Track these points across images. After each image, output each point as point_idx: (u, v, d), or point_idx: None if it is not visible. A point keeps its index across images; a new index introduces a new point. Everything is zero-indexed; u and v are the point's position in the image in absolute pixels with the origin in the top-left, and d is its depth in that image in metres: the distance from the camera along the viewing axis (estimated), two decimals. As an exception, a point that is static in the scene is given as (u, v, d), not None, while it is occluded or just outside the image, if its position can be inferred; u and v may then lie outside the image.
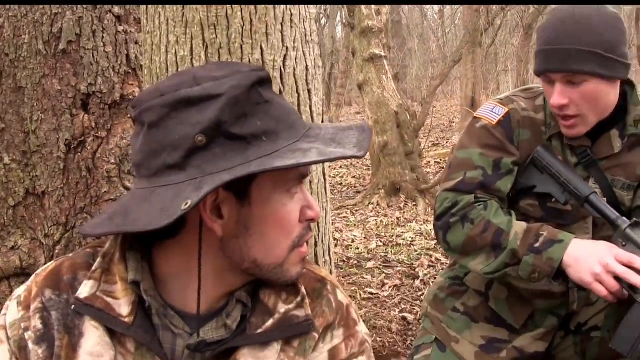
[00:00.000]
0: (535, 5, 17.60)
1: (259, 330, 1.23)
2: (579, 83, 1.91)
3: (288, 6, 1.58)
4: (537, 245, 1.91)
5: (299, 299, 1.27)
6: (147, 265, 1.22)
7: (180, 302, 1.22)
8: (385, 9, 7.58)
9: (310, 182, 1.70)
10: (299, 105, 1.62)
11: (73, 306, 1.18)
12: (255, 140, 1.11)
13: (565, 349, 2.21)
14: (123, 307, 1.18)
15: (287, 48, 1.60)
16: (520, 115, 2.10)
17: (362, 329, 1.38)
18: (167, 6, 1.56)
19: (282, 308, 1.25)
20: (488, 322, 2.20)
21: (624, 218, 1.93)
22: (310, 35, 1.67)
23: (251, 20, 1.54)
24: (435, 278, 4.02)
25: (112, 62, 2.24)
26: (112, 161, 2.22)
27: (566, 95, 1.92)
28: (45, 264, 2.18)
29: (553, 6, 2.09)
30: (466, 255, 2.00)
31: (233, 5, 1.52)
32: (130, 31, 2.30)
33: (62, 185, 2.19)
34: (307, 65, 1.65)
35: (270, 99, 1.16)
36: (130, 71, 2.29)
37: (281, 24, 1.58)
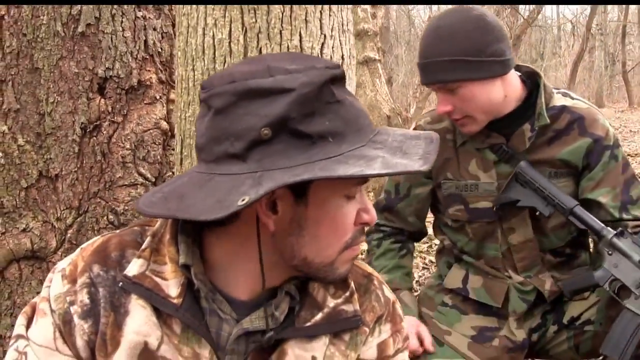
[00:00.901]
0: (525, 16, 17.78)
1: (308, 324, 1.25)
2: (455, 89, 2.03)
3: (327, -7, 1.60)
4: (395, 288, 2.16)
5: (347, 293, 1.29)
6: (197, 249, 1.22)
7: (229, 288, 1.23)
8: (381, 12, 7.64)
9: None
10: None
11: (120, 283, 1.19)
12: (321, 141, 1.11)
13: (559, 343, 2.28)
14: (172, 288, 1.18)
15: (324, 36, 1.62)
16: (425, 129, 2.25)
17: (405, 324, 1.41)
18: (206, -13, 1.57)
19: (331, 302, 1.27)
20: (476, 312, 2.29)
21: (609, 228, 2.03)
22: (347, 25, 1.69)
23: (291, 6, 1.56)
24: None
25: (130, 47, 2.25)
26: (127, 147, 2.22)
27: (448, 102, 2.06)
28: (57, 247, 2.20)
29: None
30: None
31: (274, -10, 1.54)
32: (149, 17, 2.30)
33: (76, 169, 2.19)
34: (342, 54, 1.67)
35: (342, 98, 1.15)
36: (147, 57, 2.29)
37: (320, 11, 1.60)
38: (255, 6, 1.54)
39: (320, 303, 1.27)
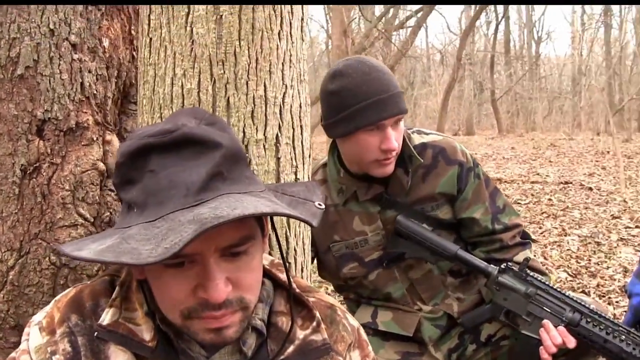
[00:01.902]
0: (399, 46, 18.46)
1: (282, 357, 1.35)
2: (398, 123, 2.26)
3: (288, 47, 1.76)
4: None
5: (314, 324, 1.41)
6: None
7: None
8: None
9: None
10: (293, 139, 1.79)
11: (96, 333, 1.27)
12: (130, 209, 1.23)
13: (478, 359, 2.49)
14: (145, 332, 1.29)
15: (286, 86, 1.77)
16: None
17: (371, 349, 1.56)
18: (175, 40, 1.69)
19: (300, 334, 1.39)
20: (395, 339, 2.46)
21: (493, 266, 2.29)
22: (303, 75, 1.85)
23: (257, 58, 1.70)
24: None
25: (68, 90, 2.31)
26: (67, 188, 2.27)
27: (394, 137, 2.24)
28: (-1, 290, 2.22)
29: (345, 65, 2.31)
30: None
31: (241, 43, 1.68)
32: (85, 59, 2.37)
33: (16, 211, 2.22)
34: (300, 103, 1.83)
35: (158, 169, 1.20)
36: (84, 99, 2.36)
37: (282, 63, 1.75)
38: (224, 58, 1.68)
39: (290, 336, 1.37)
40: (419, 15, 20.23)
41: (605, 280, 5.54)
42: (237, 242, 1.22)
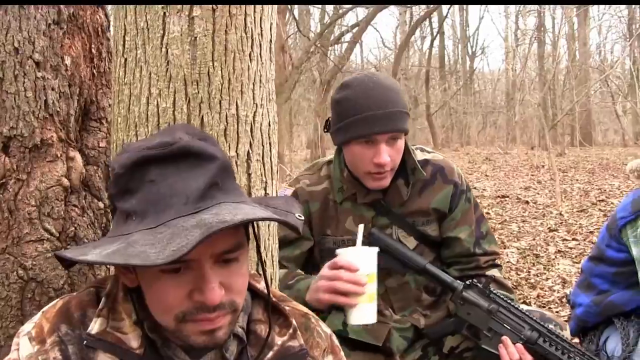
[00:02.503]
0: (335, 61, 18.69)
1: None
2: (395, 140, 2.37)
3: (259, 67, 1.88)
4: (291, 282, 2.38)
5: (291, 330, 1.52)
6: (146, 304, 1.41)
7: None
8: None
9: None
10: (263, 155, 1.91)
11: (85, 342, 1.36)
12: (129, 218, 1.31)
13: None
14: (132, 341, 1.38)
15: (256, 105, 1.89)
16: (306, 191, 2.57)
17: (343, 354, 1.68)
18: (151, 61, 1.79)
19: (278, 340, 1.50)
20: (363, 349, 2.54)
21: (458, 281, 2.44)
22: (272, 94, 1.97)
23: (229, 79, 1.82)
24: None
25: (32, 107, 2.38)
26: (33, 203, 2.34)
27: (388, 153, 2.36)
28: (-33, 305, 2.27)
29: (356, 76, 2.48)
30: None
31: (215, 64, 1.79)
32: (48, 77, 2.45)
33: (-17, 226, 2.29)
34: (269, 121, 1.95)
35: (158, 179, 1.29)
36: (48, 116, 2.43)
37: (253, 83, 1.87)
38: (198, 78, 1.79)
39: (268, 342, 1.48)
40: (355, 30, 20.53)
41: (545, 291, 5.76)
42: (230, 249, 1.32)
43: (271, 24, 1.95)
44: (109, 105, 2.71)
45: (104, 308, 1.40)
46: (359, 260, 2.17)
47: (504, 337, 2.30)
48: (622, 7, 26.87)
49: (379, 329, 2.52)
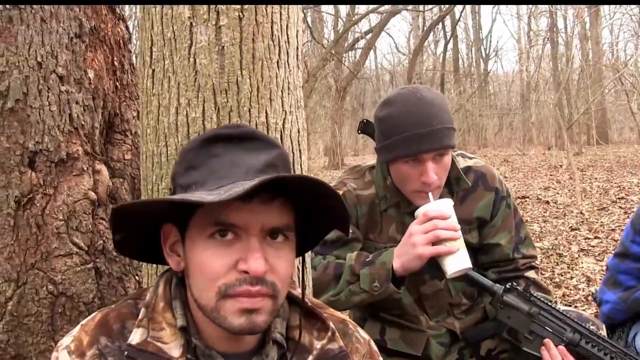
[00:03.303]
0: (350, 68, 18.69)
1: None
2: (442, 157, 2.31)
3: (286, 75, 1.85)
4: (368, 259, 2.33)
5: (329, 333, 1.49)
6: (189, 312, 1.41)
7: (214, 342, 1.40)
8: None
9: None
10: (293, 162, 1.87)
11: (126, 352, 1.34)
12: (189, 189, 1.34)
13: None
14: (173, 350, 1.36)
15: (285, 112, 1.86)
16: (353, 194, 2.52)
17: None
18: (179, 71, 1.76)
19: (317, 344, 1.47)
20: (399, 356, 2.53)
21: (498, 285, 2.39)
22: (300, 101, 1.94)
23: (258, 86, 1.79)
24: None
25: (57, 121, 2.37)
26: (60, 217, 2.33)
27: (435, 171, 2.30)
28: (-3, 321, 2.25)
29: (398, 92, 2.40)
30: (320, 294, 2.35)
31: (243, 73, 1.76)
32: (72, 91, 2.44)
33: (12, 242, 2.27)
34: (299, 128, 1.92)
35: (221, 153, 1.35)
36: (73, 130, 2.42)
37: (281, 90, 1.84)
38: (227, 87, 1.76)
39: (308, 347, 1.46)
40: (368, 36, 20.54)
41: (570, 290, 5.70)
42: (280, 227, 1.34)
43: (297, 31, 1.92)
44: (133, 117, 2.69)
45: (143, 318, 1.39)
46: (446, 209, 2.25)
47: (547, 340, 2.26)
48: (633, 5, 26.74)
49: (416, 338, 2.50)
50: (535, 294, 2.34)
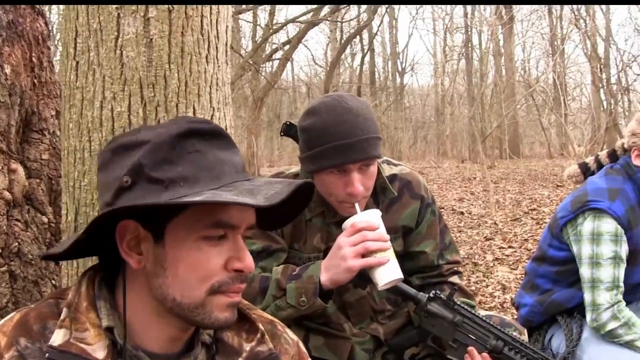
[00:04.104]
0: (268, 78, 18.68)
1: None
2: (368, 167, 2.28)
3: (215, 70, 1.83)
4: (294, 273, 2.27)
5: (259, 335, 1.48)
6: (116, 312, 1.36)
7: (144, 343, 1.37)
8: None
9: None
10: (221, 160, 1.85)
11: (47, 354, 1.28)
12: (172, 185, 1.28)
13: None
14: (98, 351, 1.30)
15: (213, 109, 1.83)
16: None
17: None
18: (104, 64, 1.72)
19: (247, 347, 1.45)
20: None
21: (422, 293, 2.41)
22: (228, 98, 1.92)
23: (186, 81, 1.76)
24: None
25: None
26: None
27: (361, 182, 2.26)
28: None
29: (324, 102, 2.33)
30: None
31: (171, 67, 1.73)
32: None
33: None
34: (226, 125, 1.90)
35: (203, 149, 1.32)
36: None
37: (210, 86, 1.81)
38: (154, 81, 1.73)
39: (237, 349, 1.44)
40: (286, 47, 20.59)
41: (486, 297, 5.82)
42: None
43: (227, 26, 1.90)
44: (52, 116, 2.62)
45: (66, 318, 1.33)
46: (374, 219, 2.19)
47: (470, 348, 2.28)
48: (545, 24, 27.65)
49: (341, 346, 2.48)
50: (458, 303, 2.36)
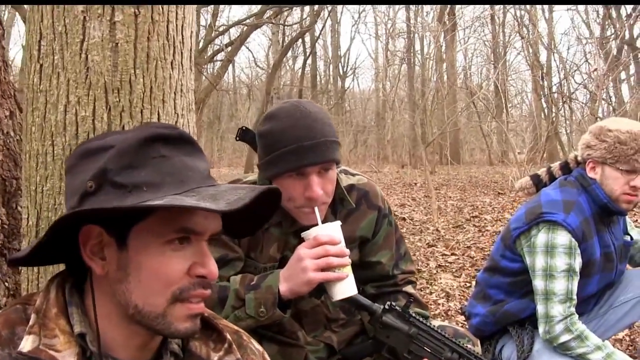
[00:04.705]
0: (210, 79, 18.58)
1: None
2: (327, 171, 2.29)
3: (180, 76, 1.84)
4: (253, 283, 2.26)
5: (226, 345, 1.49)
6: (87, 318, 1.36)
7: (113, 350, 1.37)
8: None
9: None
10: (184, 166, 1.87)
11: None
12: (136, 190, 1.29)
13: None
14: (67, 358, 1.30)
15: (177, 115, 1.85)
16: None
17: None
18: (69, 67, 1.73)
19: (214, 357, 1.46)
20: None
21: (377, 304, 2.43)
22: (191, 104, 1.94)
23: (151, 87, 1.78)
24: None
25: None
26: None
27: (320, 186, 2.27)
28: None
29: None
30: None
31: (136, 72, 1.75)
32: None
33: None
34: (189, 131, 1.91)
35: (169, 155, 1.33)
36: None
37: (174, 92, 1.83)
38: (119, 86, 1.73)
39: (205, 359, 1.45)
40: (229, 49, 20.53)
41: (430, 305, 5.89)
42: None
43: (192, 32, 1.92)
44: (6, 116, 2.59)
45: (34, 325, 1.32)
46: (337, 233, 2.19)
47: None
48: (487, 31, 28.12)
49: (295, 354, 2.49)
50: (413, 315, 2.39)
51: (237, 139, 2.57)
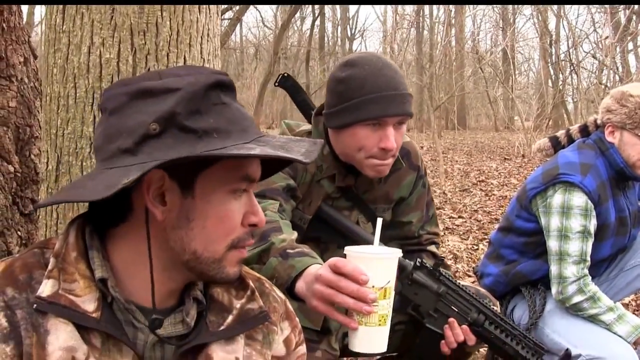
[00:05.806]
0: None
1: (222, 327, 1.38)
2: (401, 125, 2.23)
3: (207, 21, 1.79)
4: (290, 251, 1.94)
5: (249, 292, 1.44)
6: (107, 262, 1.31)
7: (136, 297, 1.32)
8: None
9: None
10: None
11: (35, 305, 1.22)
12: (206, 136, 1.25)
13: None
14: (88, 303, 1.25)
15: (204, 60, 1.80)
16: None
17: (298, 321, 1.63)
18: (94, 7, 1.67)
19: (237, 304, 1.42)
20: None
21: (408, 260, 2.39)
22: (217, 50, 1.88)
23: (178, 30, 1.72)
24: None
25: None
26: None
27: (395, 138, 2.21)
28: None
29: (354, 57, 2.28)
30: None
31: (163, 14, 1.69)
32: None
33: None
34: (215, 77, 1.86)
35: (228, 102, 1.30)
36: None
37: (201, 36, 1.78)
38: (145, 28, 1.68)
39: (227, 306, 1.40)
40: (237, 8, 20.36)
41: (438, 266, 5.88)
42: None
43: (219, -24, 1.86)
44: (20, 62, 2.54)
45: (54, 269, 1.27)
46: (372, 268, 1.61)
47: (451, 319, 2.27)
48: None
49: (315, 313, 2.45)
50: (444, 274, 2.36)
51: (277, 84, 2.52)
